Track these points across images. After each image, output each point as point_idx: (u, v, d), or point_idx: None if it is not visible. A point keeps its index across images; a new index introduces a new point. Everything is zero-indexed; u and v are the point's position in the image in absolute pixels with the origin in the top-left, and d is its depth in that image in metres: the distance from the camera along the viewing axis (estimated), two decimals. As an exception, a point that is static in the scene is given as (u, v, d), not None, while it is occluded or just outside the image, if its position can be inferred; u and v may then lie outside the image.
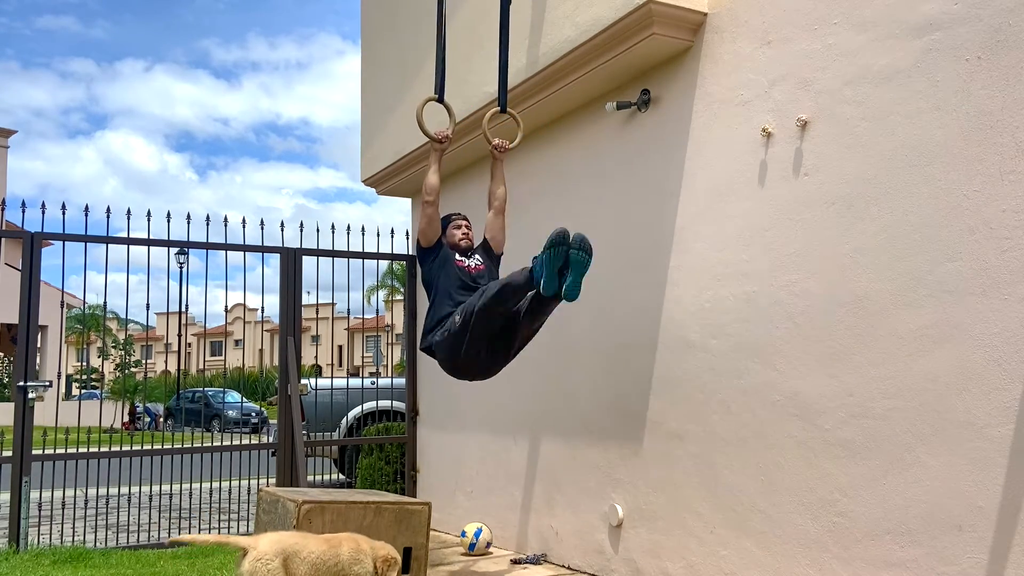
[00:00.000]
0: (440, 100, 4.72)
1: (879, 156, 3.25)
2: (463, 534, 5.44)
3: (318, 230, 6.69)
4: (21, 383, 5.62)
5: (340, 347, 35.51)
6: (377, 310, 22.21)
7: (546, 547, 5.12)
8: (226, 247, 6.44)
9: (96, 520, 6.51)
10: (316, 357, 30.85)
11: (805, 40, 3.59)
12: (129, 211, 6.17)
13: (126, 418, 22.47)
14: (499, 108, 4.70)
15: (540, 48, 4.76)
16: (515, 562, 5.10)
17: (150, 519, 6.59)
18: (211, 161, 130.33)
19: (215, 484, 7.27)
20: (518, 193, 5.17)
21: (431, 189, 4.39)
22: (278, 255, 6.51)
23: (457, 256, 4.43)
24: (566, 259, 3.85)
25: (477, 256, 4.51)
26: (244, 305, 22.61)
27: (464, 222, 4.62)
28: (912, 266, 3.10)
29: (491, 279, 4.39)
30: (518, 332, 4.16)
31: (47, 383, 6.08)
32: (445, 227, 4.55)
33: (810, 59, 3.56)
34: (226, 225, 6.43)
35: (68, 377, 37.68)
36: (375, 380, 9.18)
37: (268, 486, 5.29)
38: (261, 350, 50.03)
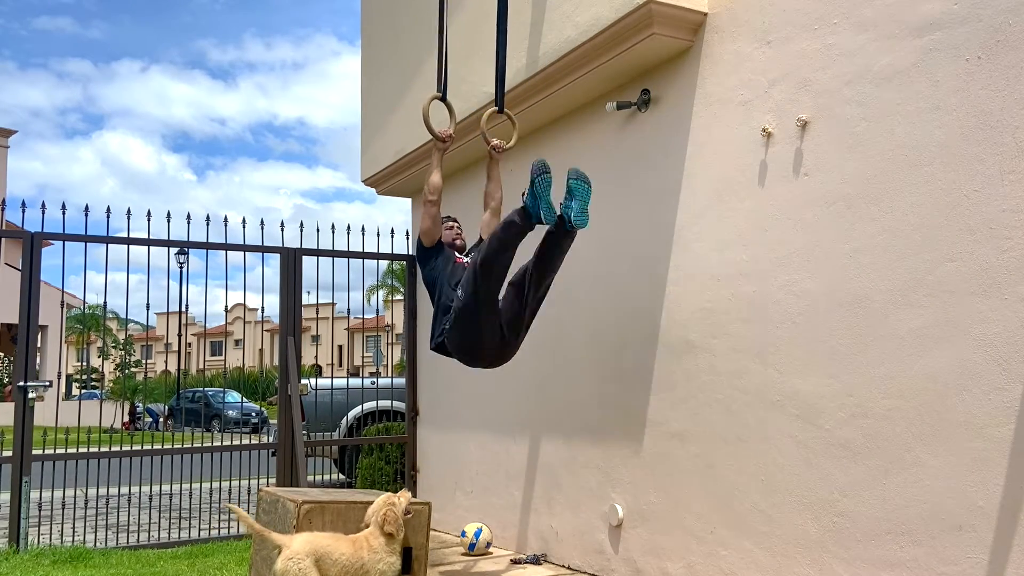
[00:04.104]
0: (443, 99, 4.70)
1: (879, 156, 3.25)
2: (463, 534, 5.44)
3: (318, 230, 6.70)
4: (21, 383, 5.62)
5: (340, 347, 35.51)
6: (377, 310, 22.21)
7: (546, 547, 5.12)
8: (226, 247, 6.44)
9: (96, 520, 6.51)
10: (316, 357, 30.84)
11: (805, 40, 3.59)
12: (129, 211, 6.18)
13: (126, 418, 22.47)
14: (496, 108, 4.67)
15: (540, 48, 4.76)
16: (515, 562, 5.10)
17: (150, 519, 6.59)
18: (209, 161, 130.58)
19: (215, 484, 7.27)
20: (517, 192, 5.14)
21: (434, 188, 4.37)
22: (278, 255, 6.51)
23: (457, 255, 4.47)
24: (566, 191, 3.94)
25: (474, 255, 4.41)
26: (244, 305, 22.61)
27: (455, 224, 4.71)
28: (912, 266, 3.10)
29: None
30: (529, 287, 4.08)
31: (47, 383, 6.08)
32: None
33: (810, 59, 3.56)
34: (226, 225, 6.43)
35: (68, 377, 37.69)
36: (375, 380, 9.18)
37: (268, 486, 5.29)
38: (261, 350, 50.04)
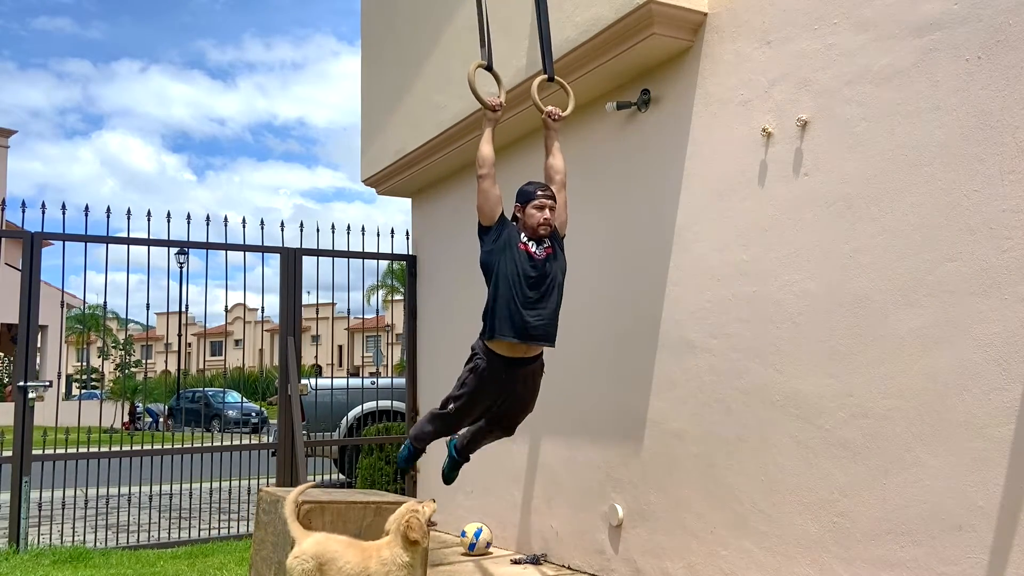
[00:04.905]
0: (488, 68, 4.34)
1: (879, 156, 3.25)
2: (463, 534, 5.44)
3: (318, 230, 6.70)
4: (21, 383, 5.62)
5: (340, 347, 35.50)
6: (377, 310, 22.22)
7: (546, 547, 5.12)
8: (226, 247, 6.44)
9: (96, 520, 6.51)
10: (316, 357, 30.81)
11: (805, 40, 3.59)
12: (129, 211, 6.18)
13: (126, 418, 22.47)
14: (546, 76, 4.34)
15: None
16: (515, 562, 5.10)
17: (150, 519, 6.59)
18: (208, 161, 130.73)
19: (215, 484, 7.27)
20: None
21: (484, 160, 3.90)
22: (278, 255, 6.51)
23: (523, 238, 3.88)
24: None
25: (544, 240, 3.92)
26: (244, 305, 22.61)
27: (549, 202, 3.90)
28: (912, 266, 3.10)
29: (558, 268, 3.93)
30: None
31: (47, 383, 6.08)
32: (525, 203, 3.91)
33: (810, 59, 3.56)
34: (226, 225, 6.43)
35: (68, 377, 37.68)
36: (375, 380, 9.18)
37: (268, 486, 5.29)
38: (261, 350, 50.03)
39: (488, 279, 3.92)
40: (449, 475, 4.51)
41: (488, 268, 3.91)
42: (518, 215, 3.94)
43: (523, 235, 3.88)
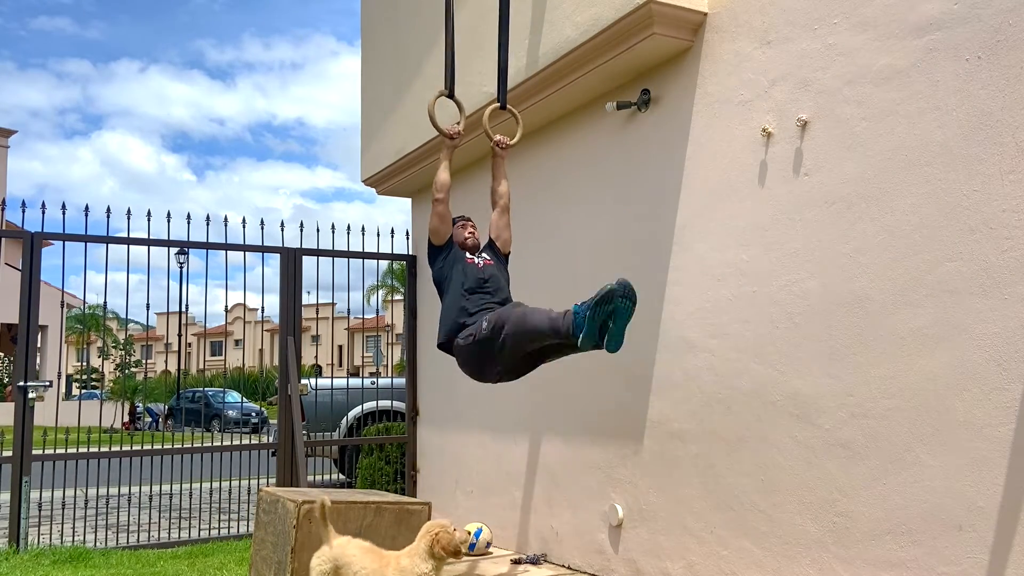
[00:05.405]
0: (450, 95, 4.64)
1: (879, 156, 3.25)
2: (463, 534, 5.43)
3: (318, 230, 6.71)
4: (21, 383, 5.62)
5: (340, 347, 35.51)
6: (377, 310, 22.23)
7: (546, 547, 5.12)
8: (226, 247, 6.44)
9: (96, 520, 6.51)
10: (316, 357, 30.83)
11: (805, 40, 3.59)
12: (129, 211, 6.19)
13: (126, 418, 22.48)
14: (499, 105, 4.62)
15: (540, 48, 4.76)
16: (515, 562, 5.09)
17: (150, 519, 6.60)
18: (208, 161, 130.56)
19: (215, 484, 7.28)
20: (518, 194, 5.14)
21: (442, 186, 4.31)
22: (278, 255, 6.52)
23: (467, 255, 4.39)
24: (606, 311, 3.53)
25: (484, 254, 4.44)
26: (244, 305, 22.62)
27: (469, 223, 4.57)
28: (912, 266, 3.10)
29: (502, 276, 4.35)
30: (541, 360, 4.05)
31: (47, 383, 6.08)
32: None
33: (810, 59, 3.56)
34: (226, 225, 6.44)
35: (68, 377, 37.70)
36: (375, 380, 9.18)
37: (268, 486, 5.29)
38: (261, 350, 50.04)
39: (441, 292, 4.38)
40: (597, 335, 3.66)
41: (440, 282, 4.40)
42: (453, 238, 4.45)
43: (466, 253, 4.40)
